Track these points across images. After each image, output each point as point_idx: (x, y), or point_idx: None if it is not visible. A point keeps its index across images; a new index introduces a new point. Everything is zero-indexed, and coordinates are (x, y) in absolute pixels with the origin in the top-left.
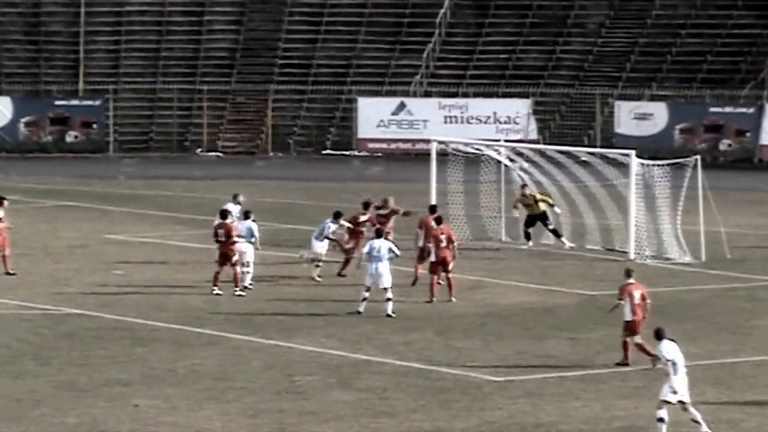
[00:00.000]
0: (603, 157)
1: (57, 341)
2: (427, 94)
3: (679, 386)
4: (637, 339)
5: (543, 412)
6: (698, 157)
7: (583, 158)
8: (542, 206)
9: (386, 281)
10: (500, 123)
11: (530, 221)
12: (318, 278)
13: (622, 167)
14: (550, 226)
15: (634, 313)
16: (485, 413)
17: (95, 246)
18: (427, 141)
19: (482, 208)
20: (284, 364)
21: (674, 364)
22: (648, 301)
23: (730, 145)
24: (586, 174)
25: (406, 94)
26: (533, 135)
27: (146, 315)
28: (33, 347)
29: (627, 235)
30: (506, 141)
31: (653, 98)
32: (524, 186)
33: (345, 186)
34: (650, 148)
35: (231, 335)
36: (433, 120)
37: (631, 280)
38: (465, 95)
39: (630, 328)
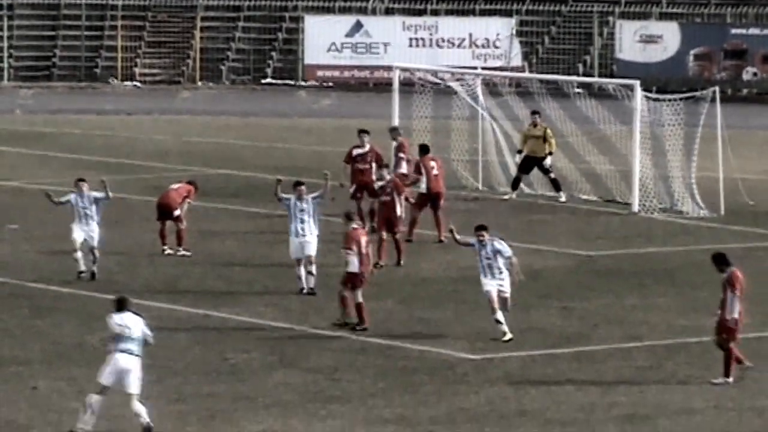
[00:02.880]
0: (601, 88)
1: None
2: (389, 12)
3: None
4: (359, 297)
5: (528, 398)
6: (717, 88)
7: (577, 89)
8: (547, 148)
9: (312, 247)
10: (477, 47)
11: (527, 165)
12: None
13: (625, 101)
14: (552, 175)
15: (361, 263)
16: (458, 398)
17: None
18: (389, 68)
19: (454, 151)
20: (215, 338)
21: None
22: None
23: (755, 75)
24: (581, 109)
25: (363, 11)
26: (517, 61)
27: (48, 279)
28: None
29: (630, 184)
30: (484, 68)
31: (662, 17)
32: (536, 113)
33: (290, 123)
34: (659, 77)
35: (151, 303)
36: (396, 43)
37: (355, 225)
38: (434, 13)
39: (354, 282)
